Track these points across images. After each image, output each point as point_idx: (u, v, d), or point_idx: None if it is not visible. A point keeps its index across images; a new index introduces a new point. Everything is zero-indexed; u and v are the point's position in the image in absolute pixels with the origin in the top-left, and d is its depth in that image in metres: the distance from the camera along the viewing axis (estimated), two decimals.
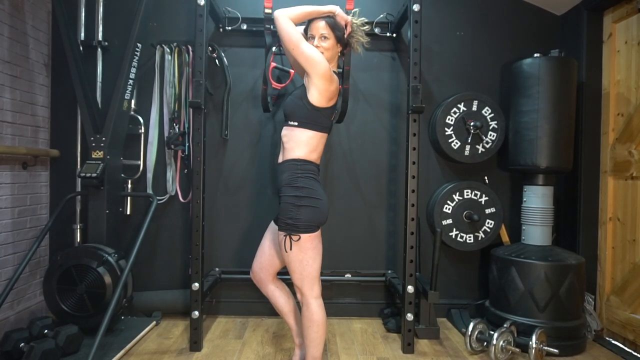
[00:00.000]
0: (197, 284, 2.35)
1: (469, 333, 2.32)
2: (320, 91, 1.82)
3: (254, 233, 2.91)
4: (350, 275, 2.89)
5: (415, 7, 2.37)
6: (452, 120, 2.79)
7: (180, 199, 2.88)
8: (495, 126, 2.79)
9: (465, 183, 2.82)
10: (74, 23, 2.76)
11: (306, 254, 1.81)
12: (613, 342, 2.52)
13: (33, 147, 2.68)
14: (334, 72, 1.88)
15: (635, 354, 2.35)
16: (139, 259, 2.83)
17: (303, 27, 1.97)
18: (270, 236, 2.03)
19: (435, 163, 2.96)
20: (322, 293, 1.91)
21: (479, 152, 2.81)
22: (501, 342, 2.22)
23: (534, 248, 2.54)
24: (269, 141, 2.93)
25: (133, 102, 2.78)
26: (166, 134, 2.84)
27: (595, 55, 2.68)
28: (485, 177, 2.93)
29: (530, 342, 2.18)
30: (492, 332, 2.25)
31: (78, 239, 2.79)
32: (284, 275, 2.05)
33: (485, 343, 2.32)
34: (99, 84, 2.80)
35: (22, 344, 2.06)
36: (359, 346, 2.46)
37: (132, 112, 2.79)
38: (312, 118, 1.84)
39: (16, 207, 2.55)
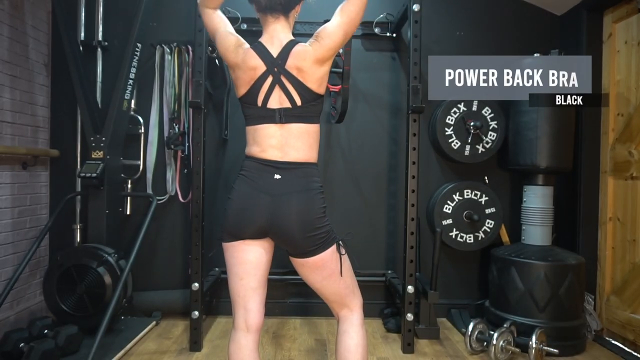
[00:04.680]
0: (197, 284, 2.35)
1: (469, 333, 2.32)
2: None
3: None
4: None
5: (415, 7, 2.37)
6: (452, 120, 2.79)
7: (180, 199, 2.88)
8: (495, 126, 2.79)
9: (465, 183, 2.81)
10: (73, 23, 2.76)
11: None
12: (613, 342, 2.51)
13: (33, 147, 2.68)
14: (247, 48, 1.41)
15: (636, 354, 2.35)
16: (138, 259, 2.81)
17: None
18: None
19: (435, 163, 2.96)
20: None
21: (479, 152, 2.80)
22: (501, 342, 2.22)
23: (533, 248, 2.54)
24: None
25: (133, 102, 2.78)
26: (166, 134, 2.84)
27: (595, 56, 2.67)
28: (485, 177, 2.92)
29: (530, 342, 2.18)
30: (492, 332, 2.25)
31: (78, 239, 2.79)
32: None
33: (485, 343, 2.32)
34: (98, 84, 2.79)
35: (22, 344, 2.06)
36: None
37: (132, 112, 2.79)
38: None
39: (16, 207, 2.54)
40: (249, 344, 1.40)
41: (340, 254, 1.43)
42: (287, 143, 1.38)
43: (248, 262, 1.40)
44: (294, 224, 1.34)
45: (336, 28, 1.37)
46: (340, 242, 1.44)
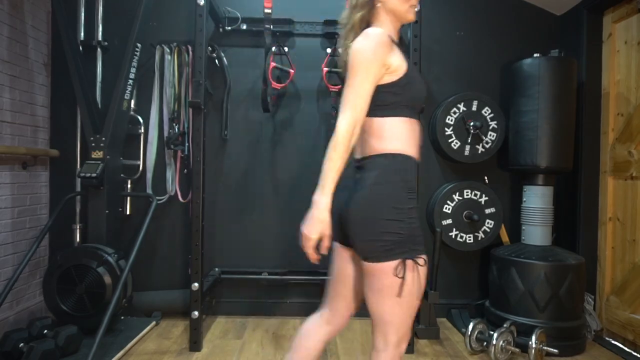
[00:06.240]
0: (196, 284, 2.35)
1: (469, 333, 2.32)
2: None
3: (253, 233, 2.91)
4: None
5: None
6: (452, 120, 2.79)
7: (180, 199, 2.88)
8: (495, 126, 2.79)
9: (465, 183, 2.81)
10: (73, 23, 2.76)
11: None
12: (613, 342, 2.51)
13: (33, 147, 2.68)
14: None
15: (635, 354, 2.35)
16: (138, 259, 2.82)
17: None
18: None
19: (435, 163, 2.96)
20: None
21: (479, 152, 2.80)
22: (501, 342, 2.22)
23: (534, 248, 2.54)
24: (269, 141, 2.93)
25: (133, 102, 2.77)
26: (166, 134, 2.84)
27: (595, 55, 2.68)
28: (485, 177, 2.92)
29: (530, 342, 2.18)
30: (492, 332, 2.25)
31: (78, 239, 2.78)
32: None
33: (485, 343, 2.32)
34: (98, 84, 2.79)
35: (22, 344, 2.06)
36: (359, 346, 2.46)
37: (131, 112, 2.78)
38: None
39: (16, 207, 2.54)
40: (321, 335, 1.43)
41: (400, 277, 1.19)
42: (360, 137, 1.30)
43: (336, 265, 1.42)
44: (354, 224, 1.23)
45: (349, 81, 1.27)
46: (410, 261, 1.20)
